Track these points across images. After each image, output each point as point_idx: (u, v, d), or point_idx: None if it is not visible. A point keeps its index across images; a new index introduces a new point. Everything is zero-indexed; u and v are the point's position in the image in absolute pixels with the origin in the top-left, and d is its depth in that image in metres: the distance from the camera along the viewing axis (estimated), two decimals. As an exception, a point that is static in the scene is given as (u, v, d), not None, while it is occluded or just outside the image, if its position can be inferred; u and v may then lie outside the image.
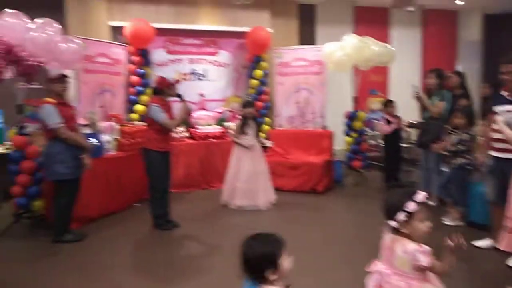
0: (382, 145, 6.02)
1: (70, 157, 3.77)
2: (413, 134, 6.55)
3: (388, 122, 5.76)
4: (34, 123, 4.11)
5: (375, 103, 7.91)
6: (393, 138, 5.81)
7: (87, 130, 4.67)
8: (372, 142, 6.85)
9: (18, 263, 3.51)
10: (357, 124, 6.06)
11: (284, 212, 4.87)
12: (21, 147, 4.04)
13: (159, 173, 4.14)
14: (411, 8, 5.35)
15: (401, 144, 5.88)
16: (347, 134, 6.18)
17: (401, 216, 1.81)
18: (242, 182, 4.91)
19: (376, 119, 7.41)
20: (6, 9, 3.92)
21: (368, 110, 7.78)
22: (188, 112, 4.39)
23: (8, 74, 3.88)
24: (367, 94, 7.81)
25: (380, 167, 6.31)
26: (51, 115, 3.66)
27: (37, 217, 4.29)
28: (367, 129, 6.62)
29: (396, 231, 1.86)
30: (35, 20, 4.01)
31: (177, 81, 4.32)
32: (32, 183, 4.11)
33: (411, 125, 6.32)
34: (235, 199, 4.93)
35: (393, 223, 1.84)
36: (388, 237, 1.91)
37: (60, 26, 4.17)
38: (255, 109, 5.15)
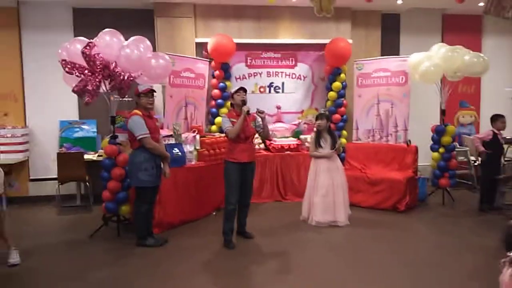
0: (473, 162, 5.52)
1: (152, 166, 4.00)
2: (509, 150, 5.98)
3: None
4: (124, 133, 4.43)
5: (465, 116, 7.32)
6: (493, 155, 5.28)
7: (171, 141, 4.92)
8: (462, 158, 6.32)
9: (103, 264, 3.76)
10: (446, 139, 5.62)
11: (363, 230, 4.64)
12: (112, 155, 4.36)
13: (231, 185, 4.13)
14: (508, 16, 4.87)
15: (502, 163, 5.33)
16: (434, 150, 5.76)
17: None
18: (320, 196, 4.77)
19: (467, 134, 6.86)
20: (106, 29, 4.29)
21: (457, 124, 7.23)
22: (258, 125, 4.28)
23: (103, 88, 4.21)
24: (456, 107, 7.26)
25: (470, 186, 5.80)
26: (138, 126, 3.91)
27: (124, 221, 4.58)
28: (456, 144, 6.11)
29: None
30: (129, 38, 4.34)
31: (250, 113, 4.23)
32: (120, 189, 4.40)
33: (508, 141, 5.75)
34: (314, 215, 4.80)
35: None
36: (508, 273, 1.70)
37: (150, 44, 4.46)
38: (330, 122, 5.00)
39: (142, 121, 3.92)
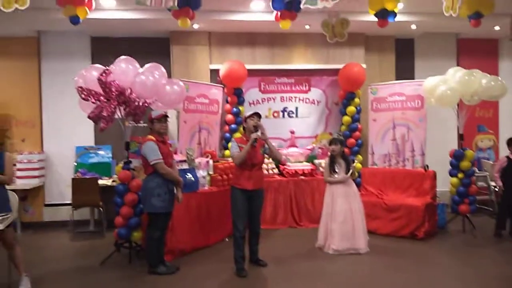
0: (493, 187, 5.35)
1: (165, 192, 3.98)
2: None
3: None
4: (138, 158, 4.43)
5: (484, 140, 7.17)
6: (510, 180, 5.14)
7: (184, 166, 4.91)
8: (482, 184, 6.14)
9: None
10: (464, 164, 5.47)
11: (381, 259, 4.47)
12: (125, 181, 4.36)
13: (237, 211, 4.05)
14: None
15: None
16: (453, 175, 5.61)
17: None
18: (338, 223, 4.64)
19: (486, 159, 6.70)
20: (122, 56, 4.38)
21: (476, 149, 7.07)
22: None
23: (118, 113, 4.26)
24: (474, 131, 7.11)
25: (491, 213, 5.60)
26: (152, 151, 3.91)
27: (135, 247, 4.54)
28: (475, 169, 5.95)
29: None
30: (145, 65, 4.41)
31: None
32: (133, 214, 4.38)
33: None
34: (332, 243, 4.66)
35: None
36: None
37: (165, 70, 4.52)
38: (343, 146, 4.93)
39: (155, 147, 3.93)
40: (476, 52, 7.11)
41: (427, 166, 5.70)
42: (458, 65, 6.73)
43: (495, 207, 6.27)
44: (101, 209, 5.63)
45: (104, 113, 4.09)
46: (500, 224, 5.27)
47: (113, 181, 5.68)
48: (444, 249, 4.86)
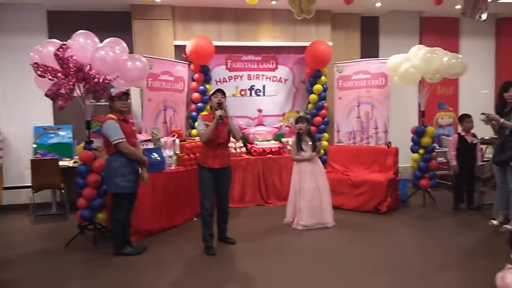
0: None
1: (129, 172, 3.88)
2: (487, 151, 6.06)
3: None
4: (100, 138, 4.29)
5: (444, 117, 7.43)
6: (467, 154, 5.37)
7: (150, 145, 4.80)
8: (442, 159, 6.39)
9: (79, 274, 3.62)
10: (425, 140, 5.66)
11: (346, 233, 4.60)
12: (87, 161, 4.22)
13: (204, 190, 4.04)
14: (483, 17, 4.94)
15: (476, 162, 5.40)
16: (414, 151, 5.80)
17: None
18: (306, 200, 4.74)
19: (446, 135, 6.95)
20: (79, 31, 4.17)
21: (436, 125, 7.32)
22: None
23: (77, 91, 4.08)
24: (435, 108, 7.35)
25: (450, 187, 5.86)
26: (113, 130, 3.78)
27: (100, 229, 4.44)
28: (436, 145, 6.17)
29: None
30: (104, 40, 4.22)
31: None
32: (96, 196, 4.26)
33: (485, 142, 5.84)
34: (300, 219, 4.75)
35: None
36: None
37: (126, 46, 4.35)
38: (309, 124, 4.97)
39: (117, 125, 3.80)
40: (438, 30, 7.27)
41: (390, 143, 5.86)
42: (421, 43, 6.89)
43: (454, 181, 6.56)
44: (63, 191, 5.45)
45: (62, 91, 3.90)
46: (458, 198, 5.53)
47: (74, 162, 5.49)
48: (405, 222, 5.05)
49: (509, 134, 4.43)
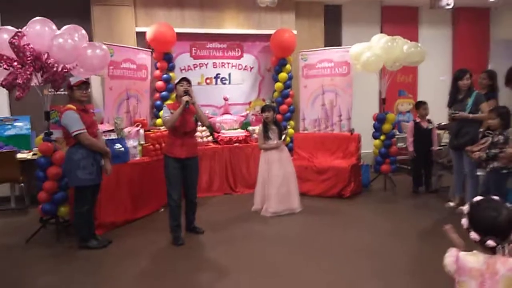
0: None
1: (91, 163, 3.77)
2: (445, 136, 6.34)
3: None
4: (60, 129, 4.14)
5: (404, 104, 7.69)
6: (424, 140, 5.61)
7: (113, 136, 4.69)
8: (402, 145, 6.63)
9: (42, 270, 3.52)
10: (386, 127, 5.86)
11: (313, 218, 4.72)
12: (47, 153, 4.07)
13: (171, 181, 4.00)
14: (450, 4, 5.12)
15: (432, 147, 5.65)
16: (375, 137, 5.99)
17: None
18: (275, 187, 4.81)
19: (405, 121, 7.20)
20: (35, 18, 3.97)
21: (396, 112, 7.57)
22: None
23: (35, 81, 3.91)
24: (396, 96, 7.59)
25: (410, 171, 6.11)
26: (73, 121, 3.66)
27: (63, 223, 4.32)
28: (396, 131, 6.40)
29: (493, 251, 1.67)
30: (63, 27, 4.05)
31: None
32: (58, 189, 4.13)
33: (442, 127, 6.11)
34: (269, 206, 4.81)
35: (493, 243, 1.64)
36: (479, 260, 1.68)
37: (85, 33, 4.20)
38: (275, 113, 5.03)
39: (76, 116, 3.67)
40: (398, 19, 7.46)
41: (353, 129, 6.02)
42: (382, 32, 7.04)
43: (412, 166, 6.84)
44: (22, 184, 5.24)
45: (19, 80, 3.72)
46: (417, 182, 5.78)
47: (33, 154, 5.28)
48: (368, 206, 5.24)
49: (465, 120, 4.64)
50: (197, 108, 4.03)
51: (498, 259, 1.65)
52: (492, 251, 1.66)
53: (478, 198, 1.78)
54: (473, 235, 1.67)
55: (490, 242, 1.63)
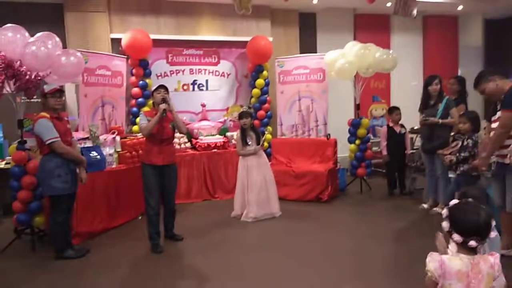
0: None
1: (66, 172, 3.71)
2: (417, 140, 6.53)
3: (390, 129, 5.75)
4: (33, 137, 4.06)
5: (377, 109, 7.88)
6: (397, 144, 5.77)
7: (88, 144, 4.63)
8: (376, 149, 6.79)
9: (18, 282, 3.42)
10: (361, 131, 6.00)
11: (292, 223, 4.77)
12: (21, 162, 3.98)
13: (149, 188, 3.97)
14: (414, 14, 5.32)
15: (406, 151, 5.82)
16: (351, 142, 6.12)
17: (493, 234, 1.74)
18: (255, 193, 4.84)
19: (379, 126, 7.38)
20: (6, 24, 3.89)
21: (371, 117, 7.75)
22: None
23: (8, 88, 3.83)
24: (370, 101, 7.77)
25: (385, 174, 6.26)
26: (46, 129, 3.60)
27: (38, 233, 4.22)
28: (371, 136, 6.56)
29: (474, 250, 1.73)
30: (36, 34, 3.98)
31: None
32: (32, 198, 4.04)
33: (414, 131, 6.29)
34: (250, 211, 4.84)
35: (475, 244, 1.70)
36: (463, 262, 1.71)
37: (59, 40, 4.14)
38: (253, 119, 5.08)
39: (50, 124, 3.61)
40: (371, 27, 7.66)
41: (329, 134, 6.13)
42: (355, 39, 7.21)
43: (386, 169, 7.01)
44: (-6, 194, 5.09)
45: (-10, 88, 3.64)
46: (391, 185, 5.93)
47: (6, 163, 5.13)
48: (345, 209, 5.34)
49: (436, 125, 4.81)
50: (175, 116, 4.02)
51: (481, 258, 1.70)
52: (473, 251, 1.71)
53: (455, 201, 1.83)
54: (456, 237, 1.71)
55: (473, 243, 1.68)
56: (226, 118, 6.73)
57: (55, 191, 3.69)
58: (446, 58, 8.18)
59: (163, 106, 3.88)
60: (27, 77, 3.83)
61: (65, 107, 5.56)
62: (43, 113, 3.68)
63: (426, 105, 4.95)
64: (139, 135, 5.43)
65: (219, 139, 6.18)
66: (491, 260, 1.70)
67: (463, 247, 1.73)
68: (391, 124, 5.88)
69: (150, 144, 3.99)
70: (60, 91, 3.78)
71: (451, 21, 8.27)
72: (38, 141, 3.71)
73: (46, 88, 3.73)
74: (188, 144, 6.12)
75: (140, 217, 5.03)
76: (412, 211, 5.07)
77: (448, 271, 1.69)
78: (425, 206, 5.09)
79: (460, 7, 7.41)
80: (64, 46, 4.74)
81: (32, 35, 3.95)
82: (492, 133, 3.44)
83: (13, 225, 4.14)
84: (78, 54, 4.35)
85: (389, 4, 6.89)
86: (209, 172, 5.98)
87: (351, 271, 3.41)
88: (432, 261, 1.72)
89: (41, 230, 4.24)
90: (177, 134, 5.51)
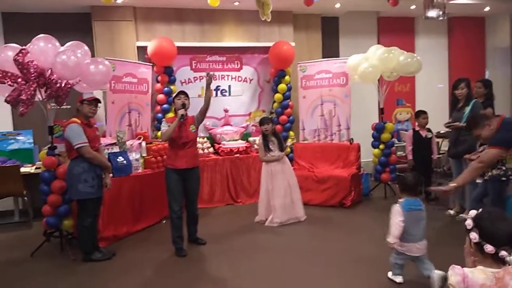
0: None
1: (92, 177, 3.84)
2: (444, 144, 6.40)
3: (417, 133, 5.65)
4: (63, 143, 4.21)
5: (402, 113, 7.76)
6: (423, 148, 5.66)
7: (115, 149, 4.75)
8: (401, 153, 6.69)
9: (47, 283, 3.55)
10: (385, 136, 5.92)
11: (316, 228, 4.75)
12: (51, 167, 4.13)
13: (172, 192, 4.04)
14: (441, 16, 5.23)
15: (432, 155, 5.70)
16: (375, 146, 6.05)
17: None
18: (280, 198, 4.87)
19: (404, 130, 7.27)
20: (36, 34, 4.06)
21: (395, 121, 7.64)
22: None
23: (39, 96, 3.99)
24: (394, 105, 7.67)
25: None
26: (76, 134, 3.73)
27: (67, 236, 4.37)
28: (395, 140, 6.46)
29: (503, 261, 1.63)
30: (66, 43, 4.14)
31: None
32: (62, 202, 4.18)
33: (440, 135, 6.17)
34: (276, 216, 4.87)
35: (506, 254, 1.61)
36: (487, 276, 1.62)
37: (88, 49, 4.29)
38: (274, 124, 5.11)
39: (80, 129, 3.75)
40: (395, 30, 7.58)
41: (352, 139, 6.08)
42: (378, 42, 7.16)
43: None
44: (26, 198, 5.29)
45: (23, 96, 3.79)
46: (425, 191, 5.76)
47: (36, 168, 5.34)
48: (368, 215, 5.27)
49: (462, 129, 4.71)
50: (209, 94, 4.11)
51: (505, 271, 1.61)
52: (502, 262, 1.62)
53: (480, 211, 1.73)
54: (489, 248, 1.62)
55: (504, 253, 1.60)
56: (248, 123, 6.78)
57: (82, 195, 3.81)
58: (472, 60, 7.99)
59: (181, 111, 3.97)
60: (58, 85, 3.98)
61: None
62: (74, 119, 3.83)
63: (454, 108, 4.87)
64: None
65: (241, 144, 6.23)
66: None
67: (493, 259, 1.63)
68: (417, 128, 5.77)
69: (172, 148, 4.07)
70: (97, 100, 3.93)
71: (477, 22, 8.07)
72: (67, 146, 3.85)
73: (85, 95, 3.90)
74: (211, 149, 6.19)
75: (164, 221, 5.12)
76: (438, 217, 4.96)
77: (471, 285, 1.61)
78: (452, 212, 4.98)
79: (487, 8, 7.23)
80: (93, 55, 4.90)
81: (62, 44, 4.10)
82: (470, 164, 3.37)
83: (43, 228, 4.28)
84: (106, 62, 4.48)
85: (413, 7, 6.81)
86: (232, 176, 6.02)
87: (375, 279, 3.37)
88: (454, 275, 1.65)
89: (70, 233, 4.38)
90: (199, 139, 5.62)
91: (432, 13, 5.01)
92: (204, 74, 6.48)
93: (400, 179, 3.30)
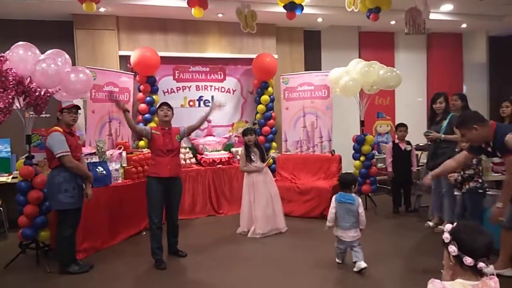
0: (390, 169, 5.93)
1: (73, 187, 3.76)
2: (423, 156, 6.51)
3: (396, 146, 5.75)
4: (41, 152, 4.13)
5: (382, 126, 7.89)
6: (403, 161, 5.76)
7: (95, 159, 4.68)
8: (381, 165, 6.78)
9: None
10: (365, 148, 6.01)
11: (297, 240, 4.75)
12: (28, 177, 4.03)
13: (152, 202, 3.99)
14: (425, 31, 5.39)
15: (411, 167, 5.80)
16: (355, 158, 6.13)
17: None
18: (261, 209, 4.86)
19: (384, 142, 7.39)
20: (17, 41, 4.00)
21: (375, 133, 7.76)
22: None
23: (17, 104, 3.91)
24: (374, 118, 7.80)
25: (390, 191, 6.24)
26: (58, 143, 3.66)
27: (43, 247, 4.25)
28: (375, 152, 6.56)
29: (481, 273, 1.65)
30: (47, 51, 4.08)
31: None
32: (38, 213, 4.08)
33: (419, 148, 6.29)
34: (257, 227, 4.85)
35: (485, 265, 1.63)
36: (473, 287, 1.63)
37: (69, 57, 4.24)
38: (257, 135, 5.13)
39: (62, 138, 3.68)
40: (375, 44, 7.74)
41: (334, 151, 6.15)
42: (359, 56, 7.30)
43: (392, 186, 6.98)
44: (1, 208, 5.14)
45: (1, 104, 3.71)
46: (396, 202, 5.90)
47: (13, 177, 5.21)
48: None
49: (440, 141, 4.82)
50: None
51: (483, 283, 1.62)
52: (480, 274, 1.63)
53: (455, 225, 1.76)
54: (468, 260, 1.63)
55: (482, 265, 1.62)
56: (231, 133, 6.78)
57: (62, 206, 3.73)
58: (450, 75, 8.21)
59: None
60: (37, 93, 3.91)
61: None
62: (56, 127, 3.76)
63: (432, 122, 4.98)
64: (145, 150, 5.50)
65: (224, 154, 6.21)
66: (492, 285, 1.67)
67: (472, 271, 1.65)
68: (396, 141, 5.88)
69: (157, 156, 4.04)
70: (76, 107, 3.87)
71: (455, 39, 8.32)
72: (48, 154, 3.77)
73: (64, 103, 3.82)
74: (193, 160, 6.16)
75: (144, 233, 5.04)
76: (417, 229, 5.03)
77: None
78: (431, 224, 5.06)
79: (464, 25, 7.47)
80: (74, 63, 4.86)
81: (42, 52, 4.05)
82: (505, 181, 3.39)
83: (18, 240, 4.16)
84: (87, 71, 4.44)
85: (393, 22, 6.99)
86: (214, 187, 5.99)
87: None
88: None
89: (46, 245, 4.27)
90: (182, 149, 5.58)
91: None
92: (187, 84, 6.58)
93: (340, 177, 3.95)
